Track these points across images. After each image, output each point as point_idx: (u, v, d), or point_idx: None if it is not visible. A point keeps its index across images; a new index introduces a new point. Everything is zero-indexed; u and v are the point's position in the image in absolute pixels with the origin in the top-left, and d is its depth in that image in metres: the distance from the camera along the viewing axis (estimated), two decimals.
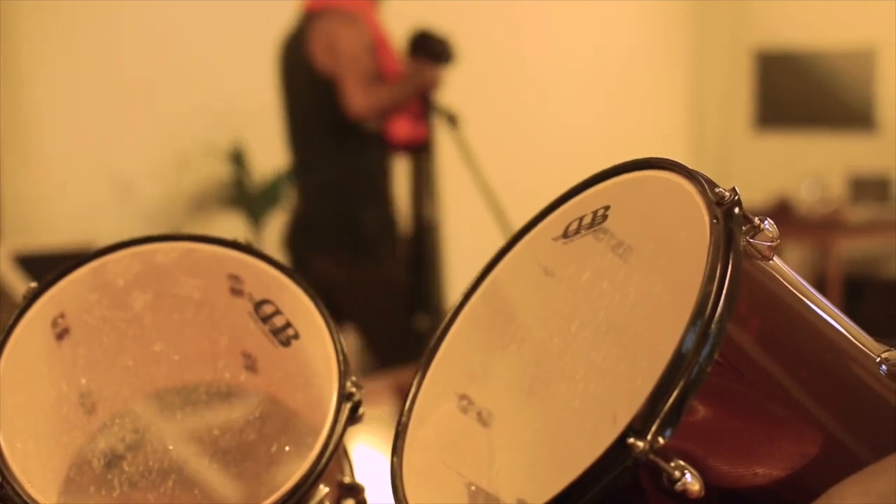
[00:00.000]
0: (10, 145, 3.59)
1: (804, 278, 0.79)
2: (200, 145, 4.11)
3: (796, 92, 6.82)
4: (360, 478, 0.94)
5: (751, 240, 0.72)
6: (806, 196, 5.76)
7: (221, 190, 4.18)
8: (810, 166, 5.98)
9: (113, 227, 3.83)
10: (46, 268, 0.95)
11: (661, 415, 0.64)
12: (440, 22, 5.13)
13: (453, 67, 4.39)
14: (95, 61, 3.83)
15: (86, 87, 3.79)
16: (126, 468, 0.93)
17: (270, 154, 4.36)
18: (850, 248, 6.05)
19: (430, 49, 3.72)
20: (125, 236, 0.98)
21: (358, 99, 3.35)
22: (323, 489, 0.84)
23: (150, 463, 0.93)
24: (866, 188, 6.26)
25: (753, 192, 5.66)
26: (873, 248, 6.41)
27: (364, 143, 3.52)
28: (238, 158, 4.07)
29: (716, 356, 0.66)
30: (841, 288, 5.32)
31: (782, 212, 5.43)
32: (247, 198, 4.12)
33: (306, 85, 3.46)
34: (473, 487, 0.81)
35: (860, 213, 5.50)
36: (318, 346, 0.92)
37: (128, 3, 3.93)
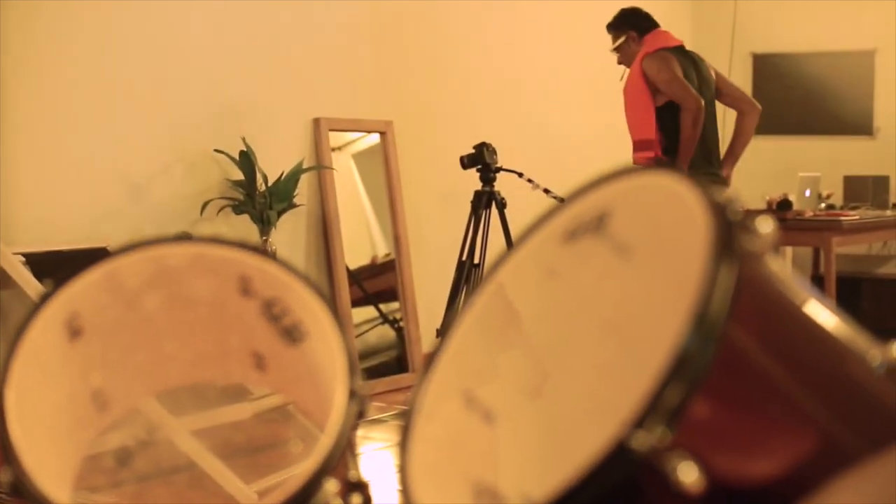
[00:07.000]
0: (22, 148, 3.59)
1: (801, 279, 0.81)
2: (210, 146, 4.10)
3: (794, 95, 6.83)
4: (367, 474, 0.95)
5: (750, 241, 0.73)
6: (803, 197, 5.76)
7: (231, 191, 4.17)
8: (807, 168, 5.98)
9: (124, 228, 3.83)
10: (59, 269, 0.96)
11: (663, 413, 0.65)
12: (448, 25, 5.14)
13: (457, 73, 4.41)
14: (104, 63, 3.83)
15: (95, 89, 3.79)
16: (138, 465, 0.94)
17: (280, 155, 4.36)
18: (846, 249, 6.06)
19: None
20: (136, 238, 1.00)
21: None
22: (331, 485, 0.85)
23: (162, 460, 0.95)
24: (863, 189, 6.26)
25: (751, 194, 5.68)
26: (869, 248, 6.42)
27: None
28: (247, 159, 4.06)
29: (716, 355, 0.67)
30: (837, 288, 5.32)
31: (780, 213, 5.43)
32: (256, 199, 4.11)
33: None
34: (478, 484, 0.82)
35: (857, 215, 5.50)
36: (326, 345, 0.94)
37: (137, 5, 3.93)
